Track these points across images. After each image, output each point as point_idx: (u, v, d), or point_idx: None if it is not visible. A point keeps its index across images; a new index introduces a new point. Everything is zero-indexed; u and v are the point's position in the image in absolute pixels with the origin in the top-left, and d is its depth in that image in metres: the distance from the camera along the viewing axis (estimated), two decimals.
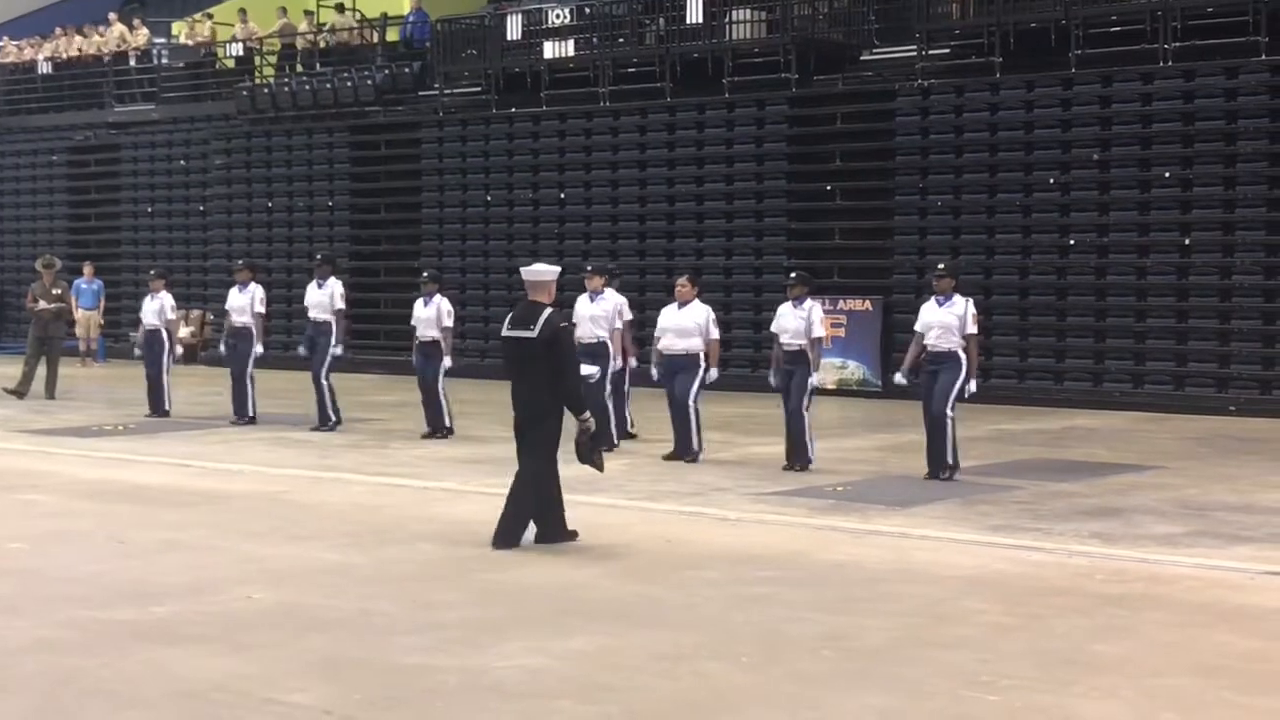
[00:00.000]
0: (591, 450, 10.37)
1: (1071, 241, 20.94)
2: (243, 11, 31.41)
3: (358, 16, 30.20)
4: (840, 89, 23.48)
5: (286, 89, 28.91)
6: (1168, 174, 20.34)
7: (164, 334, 19.15)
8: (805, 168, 23.36)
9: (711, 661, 7.37)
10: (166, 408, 18.90)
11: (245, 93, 29.61)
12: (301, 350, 17.97)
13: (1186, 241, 20.16)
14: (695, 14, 24.29)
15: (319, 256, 19.32)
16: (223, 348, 19.16)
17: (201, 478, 13.85)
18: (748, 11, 24.12)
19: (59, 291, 22.06)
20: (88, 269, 28.96)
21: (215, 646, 7.62)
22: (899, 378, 14.20)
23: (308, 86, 28.65)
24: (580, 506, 11.98)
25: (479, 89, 27.13)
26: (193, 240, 30.67)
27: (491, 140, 26.37)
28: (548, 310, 10.23)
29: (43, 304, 21.60)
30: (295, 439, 16.77)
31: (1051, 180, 21.15)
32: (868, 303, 21.97)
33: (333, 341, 17.56)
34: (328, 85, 28.35)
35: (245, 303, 18.39)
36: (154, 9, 37.65)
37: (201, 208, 30.36)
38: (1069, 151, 21.09)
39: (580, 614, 8.38)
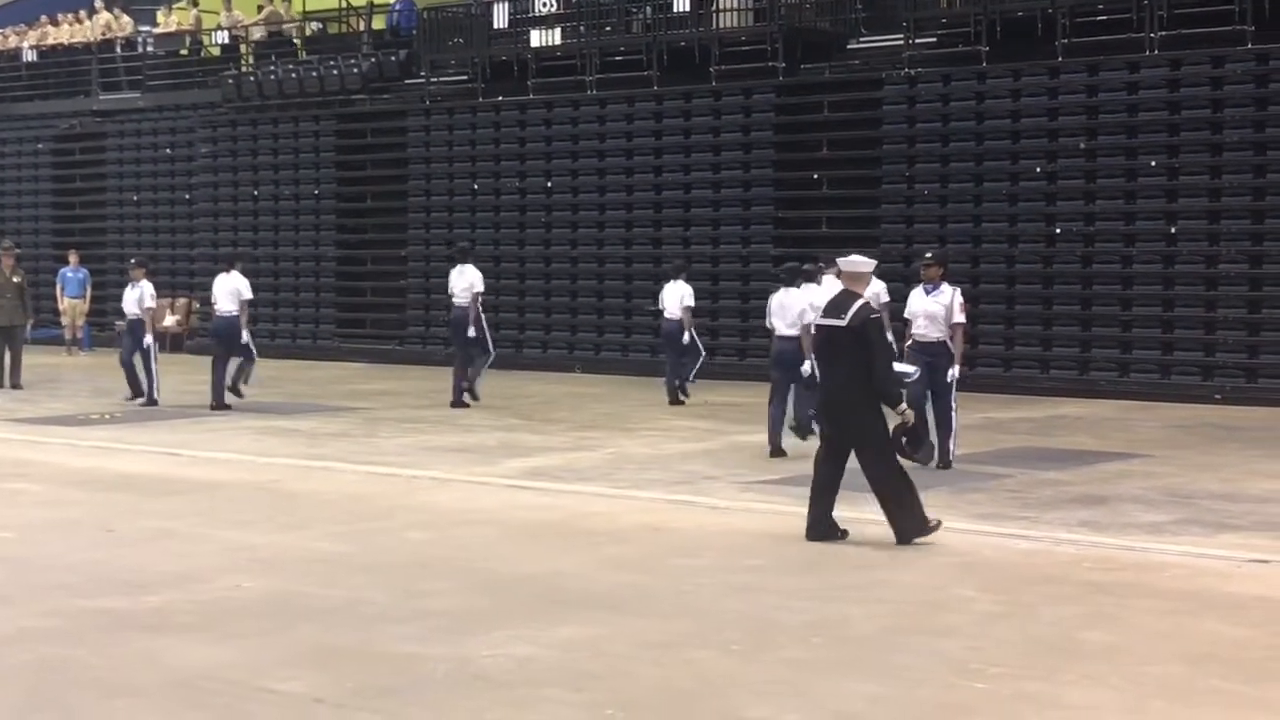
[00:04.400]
0: (910, 444, 10.54)
1: (1058, 230, 20.96)
2: None
3: (344, 4, 30.14)
4: (827, 78, 23.45)
5: (272, 77, 28.82)
6: (1154, 163, 20.35)
7: (145, 322, 19.08)
8: (792, 156, 23.34)
9: (700, 649, 7.39)
10: (155, 396, 18.85)
11: (231, 81, 29.52)
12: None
13: (1172, 230, 20.19)
14: (682, 2, 24.26)
15: (460, 245, 19.83)
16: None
17: (190, 466, 13.84)
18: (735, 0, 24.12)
19: (19, 280, 21.71)
20: (73, 257, 28.89)
21: (205, 635, 7.62)
22: (913, 372, 13.55)
23: (294, 75, 28.56)
24: (566, 495, 12.03)
25: (465, 77, 27.08)
26: (178, 229, 30.59)
27: (478, 129, 26.31)
28: (860, 300, 10.18)
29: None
30: (283, 428, 16.75)
31: (1038, 169, 21.17)
32: None
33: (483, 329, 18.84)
34: (313, 73, 28.26)
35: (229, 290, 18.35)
36: None
37: (187, 196, 30.30)
38: (1055, 140, 21.09)
39: (568, 603, 8.39)
